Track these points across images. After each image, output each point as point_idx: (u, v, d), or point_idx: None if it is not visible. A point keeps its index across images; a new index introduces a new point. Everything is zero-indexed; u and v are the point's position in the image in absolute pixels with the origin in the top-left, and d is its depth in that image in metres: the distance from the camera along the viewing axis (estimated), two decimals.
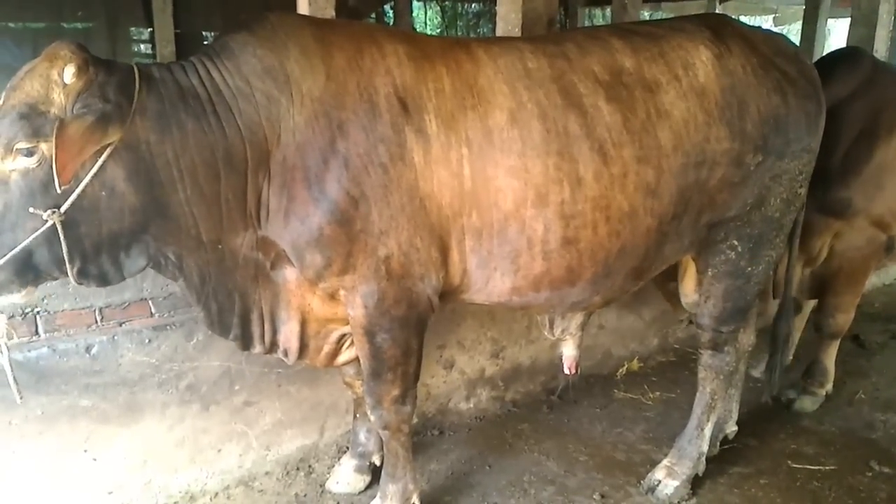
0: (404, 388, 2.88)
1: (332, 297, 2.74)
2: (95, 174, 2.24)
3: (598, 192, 2.70)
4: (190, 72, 2.47)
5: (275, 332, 2.84)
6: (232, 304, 2.71)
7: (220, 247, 2.56)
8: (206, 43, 12.94)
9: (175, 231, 2.46)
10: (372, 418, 2.96)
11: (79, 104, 2.21)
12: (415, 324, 2.78)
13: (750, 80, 2.87)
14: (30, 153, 2.16)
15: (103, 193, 2.28)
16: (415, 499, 3.10)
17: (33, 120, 2.16)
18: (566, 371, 3.56)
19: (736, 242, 3.04)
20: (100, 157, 2.23)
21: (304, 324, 2.85)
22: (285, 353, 2.91)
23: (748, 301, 3.23)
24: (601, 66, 2.78)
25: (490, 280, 2.81)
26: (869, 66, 3.77)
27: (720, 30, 2.96)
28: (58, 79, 2.20)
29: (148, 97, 2.33)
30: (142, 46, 12.84)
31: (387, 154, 2.53)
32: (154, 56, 11.29)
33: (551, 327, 3.41)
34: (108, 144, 2.23)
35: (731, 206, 2.96)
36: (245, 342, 2.82)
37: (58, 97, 2.20)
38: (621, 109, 2.73)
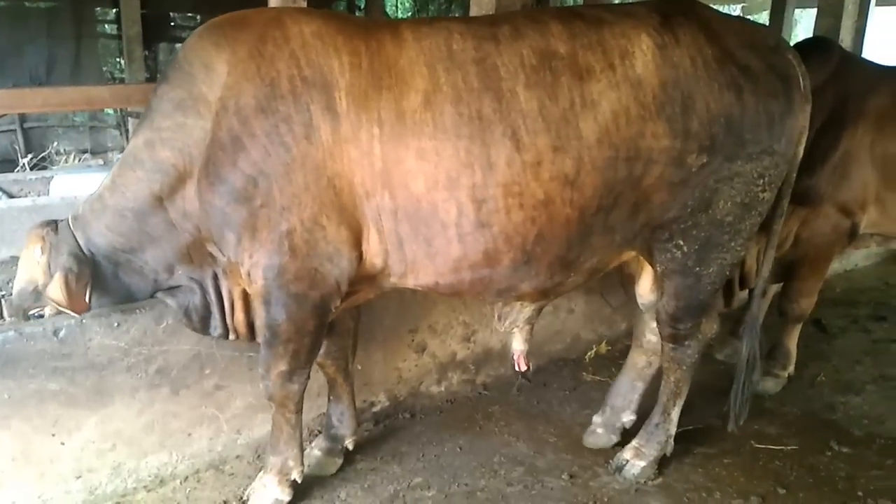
0: (293, 366, 2.91)
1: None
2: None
3: (510, 178, 2.65)
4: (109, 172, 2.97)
5: (233, 318, 3.07)
6: (210, 307, 3.05)
7: (178, 272, 2.99)
8: (171, 24, 12.75)
9: (149, 279, 3.01)
10: (260, 386, 3.04)
11: (51, 268, 2.84)
12: (315, 305, 2.80)
13: (699, 73, 2.72)
14: (40, 315, 3.02)
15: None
16: (294, 475, 3.14)
17: (34, 295, 2.94)
18: (515, 367, 3.50)
19: (682, 242, 2.94)
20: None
21: (247, 307, 3.03)
22: (242, 336, 3.12)
23: (702, 300, 3.12)
24: (530, 50, 2.69)
25: (413, 263, 2.81)
26: (836, 57, 3.84)
27: (673, 17, 2.79)
28: (35, 258, 2.89)
29: (80, 230, 2.91)
30: (107, 27, 12.60)
31: (289, 133, 2.59)
32: (119, 37, 11.09)
33: (500, 320, 3.38)
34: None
35: (671, 206, 2.85)
36: (225, 334, 3.10)
37: (41, 273, 2.88)
38: (540, 96, 2.65)
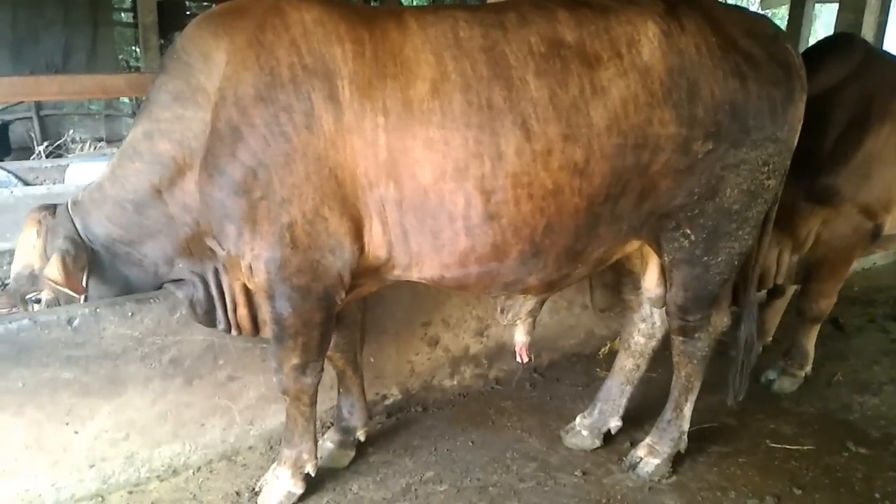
0: (305, 359, 2.90)
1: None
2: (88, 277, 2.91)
3: (519, 167, 2.61)
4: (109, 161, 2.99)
5: (235, 313, 3.04)
6: (213, 300, 3.04)
7: (179, 266, 2.99)
8: (187, 13, 12.74)
9: (151, 274, 3.02)
10: (274, 380, 3.02)
11: (47, 252, 2.87)
12: (319, 297, 2.77)
13: (704, 61, 2.71)
14: (37, 300, 2.99)
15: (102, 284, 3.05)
16: (308, 468, 3.13)
17: (30, 279, 2.95)
18: (517, 359, 3.50)
19: (689, 231, 2.93)
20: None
21: (249, 302, 3.00)
22: (246, 331, 3.10)
23: (710, 291, 3.10)
24: (538, 38, 2.66)
25: (418, 255, 2.77)
26: (861, 54, 3.75)
27: (677, 5, 2.78)
28: (31, 242, 2.91)
29: (79, 217, 2.92)
30: (123, 15, 12.62)
31: (290, 123, 2.55)
32: (135, 26, 11.11)
33: (502, 312, 3.36)
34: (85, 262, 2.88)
35: (677, 194, 2.83)
36: (228, 328, 3.08)
37: (37, 257, 2.91)
38: (550, 84, 2.61)
